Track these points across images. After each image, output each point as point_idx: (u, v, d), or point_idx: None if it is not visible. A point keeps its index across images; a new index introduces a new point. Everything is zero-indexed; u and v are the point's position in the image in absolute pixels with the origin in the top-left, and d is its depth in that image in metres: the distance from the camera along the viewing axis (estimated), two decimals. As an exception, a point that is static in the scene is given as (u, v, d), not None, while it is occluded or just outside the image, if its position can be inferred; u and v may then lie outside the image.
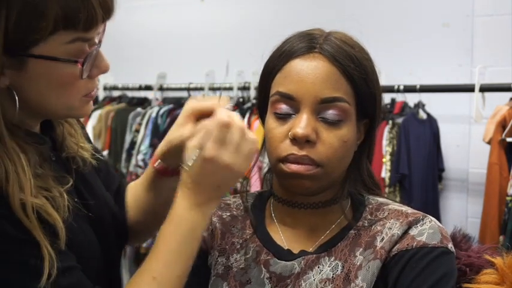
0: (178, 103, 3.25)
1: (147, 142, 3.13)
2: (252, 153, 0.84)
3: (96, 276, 0.89)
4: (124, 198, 1.12)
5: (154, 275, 0.82)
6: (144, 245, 3.04)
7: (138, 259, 3.14)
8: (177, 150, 0.90)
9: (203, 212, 0.84)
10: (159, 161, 1.01)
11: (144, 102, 3.43)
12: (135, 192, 1.12)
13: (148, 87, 3.37)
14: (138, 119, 3.25)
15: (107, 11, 0.83)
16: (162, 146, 0.98)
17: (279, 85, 0.89)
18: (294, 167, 0.86)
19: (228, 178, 0.83)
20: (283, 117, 0.88)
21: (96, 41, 0.85)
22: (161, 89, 3.38)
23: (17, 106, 0.82)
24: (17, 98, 0.82)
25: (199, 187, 0.83)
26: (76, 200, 0.89)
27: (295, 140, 0.86)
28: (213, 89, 3.14)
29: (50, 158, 0.90)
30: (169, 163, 0.99)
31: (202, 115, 0.88)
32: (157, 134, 3.10)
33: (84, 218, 0.91)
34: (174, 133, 0.94)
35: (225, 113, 0.82)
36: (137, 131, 3.22)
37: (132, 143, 3.20)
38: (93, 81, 0.88)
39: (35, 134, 0.89)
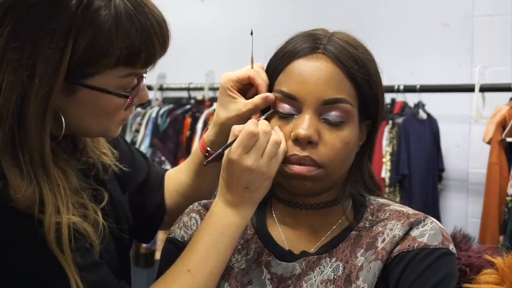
0: (178, 103, 3.25)
1: (147, 142, 3.13)
2: (276, 156, 0.86)
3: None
4: (154, 187, 1.15)
5: (188, 268, 0.86)
6: (144, 245, 3.04)
7: (138, 259, 3.14)
8: (226, 133, 0.93)
9: (238, 212, 0.87)
10: (208, 148, 1.04)
11: (144, 102, 3.43)
12: (177, 180, 1.15)
13: (148, 87, 3.35)
14: (138, 119, 3.25)
15: (164, 49, 0.86)
16: (210, 133, 1.02)
17: (282, 85, 0.89)
18: (296, 169, 0.86)
19: (253, 180, 0.85)
20: (285, 117, 0.88)
21: (144, 74, 0.87)
22: (161, 89, 3.38)
23: (63, 128, 0.84)
24: (63, 119, 0.83)
25: (229, 187, 0.87)
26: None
27: (297, 141, 0.86)
28: (213, 89, 3.14)
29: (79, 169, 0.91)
30: (217, 148, 1.00)
31: (242, 86, 0.96)
32: (157, 134, 3.11)
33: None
34: (221, 114, 0.98)
35: (253, 122, 0.86)
36: (137, 131, 3.22)
37: (132, 143, 3.20)
38: (132, 109, 0.91)
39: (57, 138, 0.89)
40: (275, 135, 0.86)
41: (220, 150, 0.88)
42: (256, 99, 0.93)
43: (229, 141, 0.87)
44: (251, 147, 0.84)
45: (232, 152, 0.85)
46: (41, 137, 0.78)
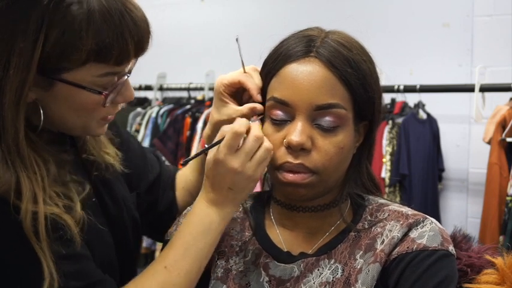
0: (179, 103, 3.25)
1: (147, 142, 3.12)
2: (265, 161, 0.86)
3: (110, 274, 0.90)
4: (166, 185, 1.17)
5: (165, 265, 0.86)
6: (144, 244, 3.04)
7: (138, 259, 3.14)
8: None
9: (220, 211, 0.88)
10: (206, 145, 1.04)
11: (144, 102, 3.43)
12: (184, 177, 1.18)
13: (148, 87, 3.37)
14: (138, 119, 3.25)
15: (141, 49, 0.87)
16: (207, 130, 1.04)
17: (274, 90, 0.88)
18: (289, 177, 0.85)
19: (239, 181, 0.86)
20: (278, 123, 0.87)
21: (126, 71, 0.88)
22: (161, 89, 3.38)
23: (42, 119, 0.86)
24: (41, 112, 0.86)
25: (213, 187, 0.87)
26: (94, 199, 0.93)
27: (290, 148, 0.85)
28: (213, 89, 3.13)
29: (72, 161, 0.92)
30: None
31: (235, 90, 0.96)
32: (157, 134, 3.10)
33: (102, 222, 0.93)
34: (214, 115, 0.99)
35: (241, 122, 0.85)
36: (137, 131, 3.22)
37: (132, 143, 3.20)
38: (116, 107, 0.92)
39: (55, 133, 0.91)
40: (267, 142, 0.86)
41: (200, 151, 0.89)
42: (244, 109, 0.93)
43: (214, 141, 0.87)
44: (238, 148, 0.84)
45: (219, 151, 0.85)
46: (15, 127, 0.81)
